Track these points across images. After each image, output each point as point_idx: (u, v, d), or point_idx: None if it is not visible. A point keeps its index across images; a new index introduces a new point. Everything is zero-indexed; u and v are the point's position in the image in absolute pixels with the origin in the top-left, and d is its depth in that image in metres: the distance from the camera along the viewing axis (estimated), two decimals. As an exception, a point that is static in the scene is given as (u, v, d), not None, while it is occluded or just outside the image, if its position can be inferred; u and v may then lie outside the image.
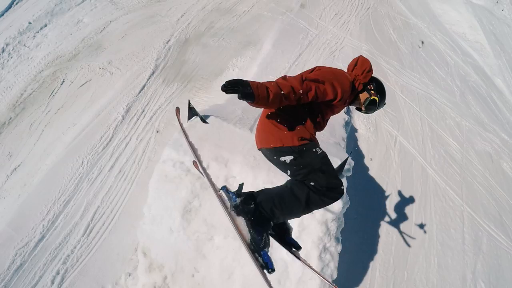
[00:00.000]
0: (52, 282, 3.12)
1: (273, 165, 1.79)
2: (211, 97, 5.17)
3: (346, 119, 5.08)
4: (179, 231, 2.80)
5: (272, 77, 2.08)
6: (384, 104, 1.88)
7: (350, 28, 8.75)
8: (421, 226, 4.76)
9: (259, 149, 1.83)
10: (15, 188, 4.32)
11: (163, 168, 3.00)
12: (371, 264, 4.06)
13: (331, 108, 1.77)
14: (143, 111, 4.86)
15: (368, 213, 4.56)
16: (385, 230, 4.45)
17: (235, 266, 2.62)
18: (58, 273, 3.18)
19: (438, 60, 9.17)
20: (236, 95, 1.32)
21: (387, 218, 4.60)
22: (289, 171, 1.69)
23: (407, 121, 6.31)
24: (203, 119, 3.43)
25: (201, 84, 5.50)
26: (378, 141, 5.55)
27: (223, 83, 1.30)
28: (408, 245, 4.47)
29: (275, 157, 1.70)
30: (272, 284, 1.67)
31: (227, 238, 2.71)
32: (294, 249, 2.04)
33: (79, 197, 3.82)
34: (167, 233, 2.83)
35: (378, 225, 4.48)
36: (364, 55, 4.33)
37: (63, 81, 5.55)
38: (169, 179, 2.96)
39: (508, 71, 11.00)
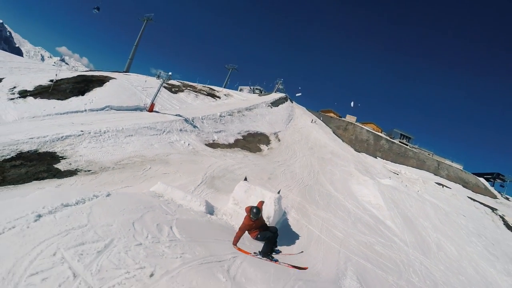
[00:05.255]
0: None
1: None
2: (228, 197, 13.17)
3: (282, 214, 13.43)
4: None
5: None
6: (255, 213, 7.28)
7: (293, 191, 18.26)
8: (316, 248, 12.14)
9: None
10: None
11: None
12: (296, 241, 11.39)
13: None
14: (201, 192, 12.87)
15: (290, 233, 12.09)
16: (298, 243, 11.81)
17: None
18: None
19: (343, 209, 18.37)
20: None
21: (298, 240, 12.08)
22: None
23: (313, 222, 14.58)
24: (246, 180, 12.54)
25: (222, 191, 13.63)
26: (298, 224, 13.59)
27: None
28: (303, 251, 11.74)
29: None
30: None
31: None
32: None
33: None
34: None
35: (297, 240, 11.90)
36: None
37: (150, 168, 13.79)
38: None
39: (398, 217, 20.18)
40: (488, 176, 50.98)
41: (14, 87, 20.47)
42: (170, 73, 23.16)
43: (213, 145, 20.89)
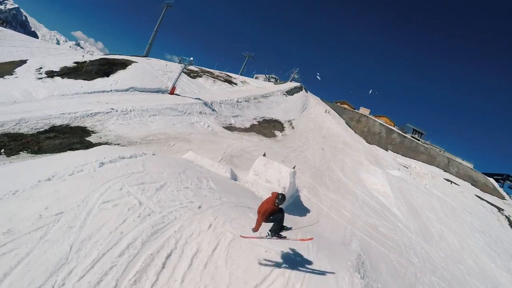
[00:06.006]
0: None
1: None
2: (245, 173, 14.60)
3: (296, 190, 14.65)
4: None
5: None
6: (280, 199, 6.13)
7: (305, 174, 19.44)
8: (324, 222, 13.41)
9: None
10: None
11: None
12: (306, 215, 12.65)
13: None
14: (224, 166, 13.91)
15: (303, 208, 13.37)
16: (308, 216, 13.08)
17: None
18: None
19: (351, 194, 19.51)
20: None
21: (309, 214, 13.32)
22: None
23: (323, 201, 15.81)
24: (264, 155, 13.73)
25: (240, 168, 14.89)
26: (309, 201, 14.83)
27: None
28: (318, 221, 12.97)
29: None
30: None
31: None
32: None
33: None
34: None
35: (308, 213, 13.17)
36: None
37: (173, 144, 15.17)
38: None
39: (404, 206, 21.18)
40: (498, 177, 51.13)
41: (41, 68, 21.92)
42: (191, 58, 24.34)
43: (231, 128, 22.12)
